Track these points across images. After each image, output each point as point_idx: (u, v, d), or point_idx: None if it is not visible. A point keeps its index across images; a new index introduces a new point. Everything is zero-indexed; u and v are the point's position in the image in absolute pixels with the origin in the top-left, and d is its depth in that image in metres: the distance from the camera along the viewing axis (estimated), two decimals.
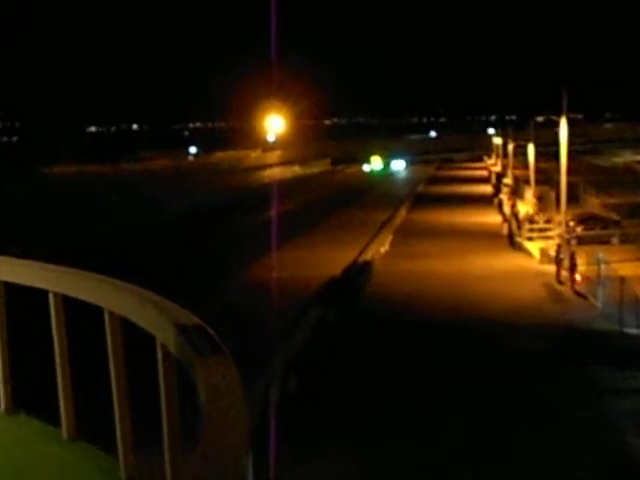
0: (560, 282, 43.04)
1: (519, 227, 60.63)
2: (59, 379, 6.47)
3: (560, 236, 49.54)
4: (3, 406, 7.05)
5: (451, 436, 22.36)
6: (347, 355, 30.19)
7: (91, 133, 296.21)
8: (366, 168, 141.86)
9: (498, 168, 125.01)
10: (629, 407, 24.47)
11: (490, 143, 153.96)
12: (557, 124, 51.29)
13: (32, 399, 7.52)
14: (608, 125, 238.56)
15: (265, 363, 25.77)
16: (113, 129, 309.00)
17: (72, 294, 6.16)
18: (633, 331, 31.64)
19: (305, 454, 20.78)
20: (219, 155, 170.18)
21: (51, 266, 6.56)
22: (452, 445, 21.72)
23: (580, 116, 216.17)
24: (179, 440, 5.17)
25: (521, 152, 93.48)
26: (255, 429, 18.06)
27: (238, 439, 3.31)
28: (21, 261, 6.84)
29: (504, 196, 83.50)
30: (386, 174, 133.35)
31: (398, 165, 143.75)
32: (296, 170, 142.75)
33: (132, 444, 5.94)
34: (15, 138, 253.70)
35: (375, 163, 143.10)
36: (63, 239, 57.58)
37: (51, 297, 6.39)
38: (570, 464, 20.49)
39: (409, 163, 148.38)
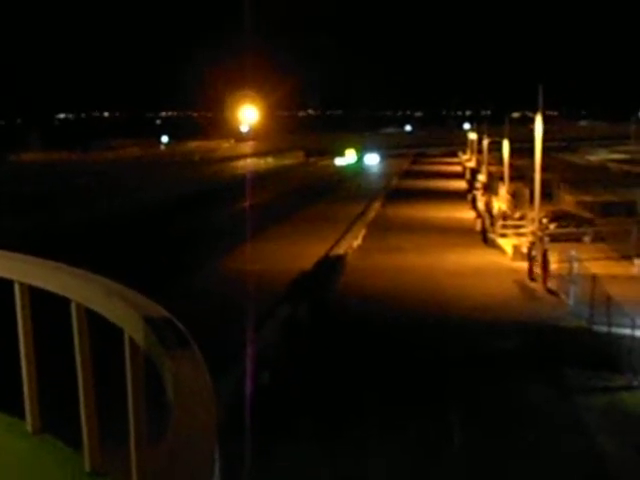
0: (532, 279, 43.17)
1: (492, 223, 60.82)
2: (24, 371, 6.32)
3: (533, 233, 49.72)
4: None
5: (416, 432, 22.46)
6: (317, 350, 30.13)
7: (60, 120, 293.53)
8: (339, 161, 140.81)
9: (472, 164, 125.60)
10: (594, 405, 24.60)
11: (465, 138, 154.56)
12: (532, 120, 51.43)
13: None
14: (583, 122, 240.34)
15: (235, 357, 25.73)
16: (83, 116, 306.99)
17: (38, 284, 6.00)
18: (602, 329, 31.74)
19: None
20: (191, 145, 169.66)
21: (17, 255, 6.39)
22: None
23: (555, 113, 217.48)
24: (145, 435, 5.07)
25: (496, 148, 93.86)
26: (224, 424, 17.97)
27: (206, 434, 3.24)
28: None
29: (478, 192, 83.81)
30: (360, 167, 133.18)
31: (371, 159, 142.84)
32: (269, 161, 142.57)
33: (97, 438, 5.81)
34: None
35: (349, 156, 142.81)
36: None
37: (16, 287, 6.24)
38: (535, 464, 20.57)
39: (384, 157, 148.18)
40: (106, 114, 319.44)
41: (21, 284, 6.21)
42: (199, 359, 3.99)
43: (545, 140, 50.91)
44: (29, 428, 6.35)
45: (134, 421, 5.05)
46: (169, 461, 3.03)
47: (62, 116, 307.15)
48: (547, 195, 63.72)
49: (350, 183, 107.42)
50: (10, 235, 41.16)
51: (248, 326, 28.15)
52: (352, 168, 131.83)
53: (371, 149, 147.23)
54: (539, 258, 43.50)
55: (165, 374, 3.90)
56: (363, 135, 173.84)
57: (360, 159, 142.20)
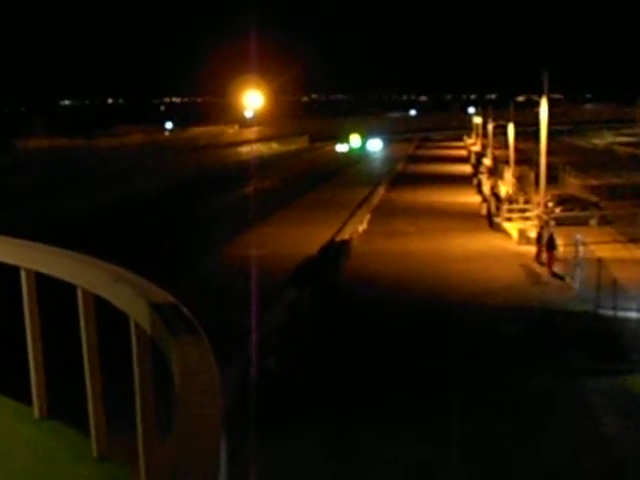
0: (541, 263, 42.97)
1: (498, 207, 60.67)
2: (30, 357, 6.34)
3: (539, 217, 49.61)
4: None
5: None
6: (323, 335, 30.14)
7: (64, 106, 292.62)
8: (340, 148, 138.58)
9: (478, 148, 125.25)
10: (600, 388, 24.62)
11: (470, 122, 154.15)
12: (538, 104, 51.28)
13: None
14: (589, 106, 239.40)
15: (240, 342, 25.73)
16: (87, 102, 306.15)
17: (44, 271, 6.01)
18: (608, 313, 31.74)
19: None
20: (195, 130, 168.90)
21: (23, 242, 6.40)
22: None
23: (561, 96, 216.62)
24: (153, 420, 5.07)
25: (501, 132, 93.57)
26: (230, 409, 18.01)
27: (212, 420, 3.26)
28: None
29: (483, 176, 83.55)
30: (364, 152, 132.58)
31: (374, 145, 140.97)
32: (274, 147, 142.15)
33: (104, 423, 5.83)
34: None
35: (354, 141, 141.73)
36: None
37: (23, 274, 6.24)
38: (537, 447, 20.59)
39: (388, 141, 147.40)
40: (110, 100, 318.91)
41: (27, 270, 6.21)
42: (206, 345, 3.99)
43: (550, 123, 50.75)
44: (36, 414, 6.36)
45: (141, 407, 5.06)
46: (176, 447, 3.03)
47: (66, 103, 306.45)
48: (553, 178, 63.54)
49: (355, 167, 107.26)
50: (14, 225, 41.19)
51: (253, 311, 28.15)
52: (356, 153, 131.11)
53: (376, 134, 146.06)
54: (545, 241, 43.38)
55: (172, 360, 3.91)
56: (368, 120, 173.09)
57: (364, 144, 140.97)
